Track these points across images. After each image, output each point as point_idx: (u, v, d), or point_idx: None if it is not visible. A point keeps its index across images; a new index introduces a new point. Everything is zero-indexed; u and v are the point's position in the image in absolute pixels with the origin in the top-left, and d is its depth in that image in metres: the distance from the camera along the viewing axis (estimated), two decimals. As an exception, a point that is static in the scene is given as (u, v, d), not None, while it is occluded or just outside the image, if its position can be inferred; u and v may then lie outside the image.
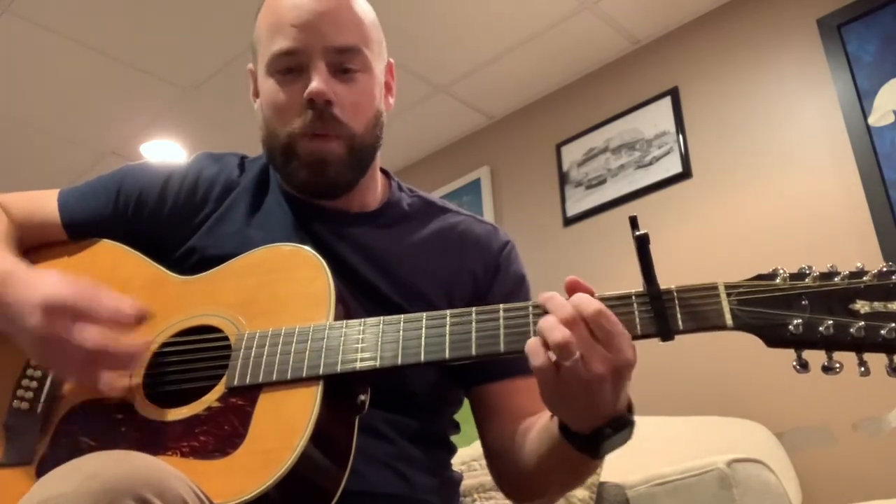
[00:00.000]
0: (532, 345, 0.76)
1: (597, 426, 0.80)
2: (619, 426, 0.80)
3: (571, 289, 0.80)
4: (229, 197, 1.09)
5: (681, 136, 2.73)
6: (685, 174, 2.69)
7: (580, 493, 1.59)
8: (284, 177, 1.06)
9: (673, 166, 2.73)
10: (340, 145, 1.01)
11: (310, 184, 1.03)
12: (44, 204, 1.10)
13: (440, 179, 3.53)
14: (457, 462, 1.13)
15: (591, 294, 0.79)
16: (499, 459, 1.05)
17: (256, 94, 1.11)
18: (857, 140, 2.29)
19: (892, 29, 2.31)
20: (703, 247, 2.57)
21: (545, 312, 0.78)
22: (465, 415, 1.11)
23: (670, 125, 2.77)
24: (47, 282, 0.88)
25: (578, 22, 2.81)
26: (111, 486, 0.62)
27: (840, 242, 2.26)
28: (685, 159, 2.70)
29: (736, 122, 2.62)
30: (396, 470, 0.96)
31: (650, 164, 2.79)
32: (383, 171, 1.17)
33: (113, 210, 1.08)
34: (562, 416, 0.82)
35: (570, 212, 2.99)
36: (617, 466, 1.71)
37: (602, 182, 2.92)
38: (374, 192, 1.12)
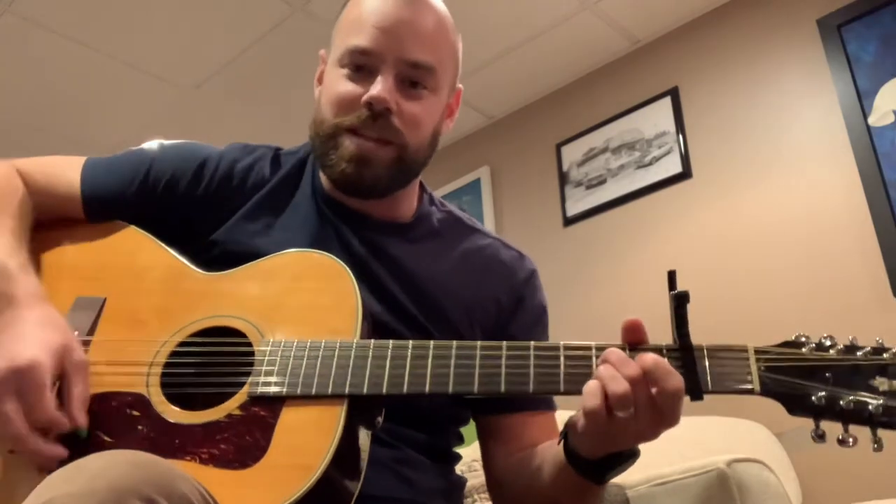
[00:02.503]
0: (592, 387, 0.76)
1: (607, 454, 0.80)
2: (627, 456, 0.82)
3: (631, 329, 0.80)
4: (259, 193, 1.07)
5: (681, 136, 2.73)
6: (685, 174, 2.69)
7: (581, 492, 1.59)
8: (324, 166, 1.05)
9: (673, 166, 2.73)
10: (389, 152, 1.01)
11: (346, 179, 1.01)
12: (66, 173, 1.06)
13: (440, 179, 3.53)
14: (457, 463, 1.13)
15: (645, 339, 0.80)
16: (504, 488, 1.04)
17: (320, 81, 1.10)
18: (857, 140, 2.29)
19: (892, 29, 2.31)
20: (703, 247, 2.57)
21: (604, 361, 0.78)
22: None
23: (670, 125, 2.77)
24: (33, 343, 0.82)
25: (578, 22, 2.81)
26: (117, 486, 0.62)
27: (840, 242, 2.26)
28: (685, 159, 2.70)
29: (736, 122, 2.62)
30: (401, 474, 0.96)
31: (650, 164, 2.79)
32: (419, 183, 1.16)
33: (140, 187, 1.05)
34: (580, 443, 0.82)
35: (570, 212, 2.99)
36: (617, 466, 1.70)
37: (602, 182, 2.92)
38: (408, 204, 1.11)
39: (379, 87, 0.98)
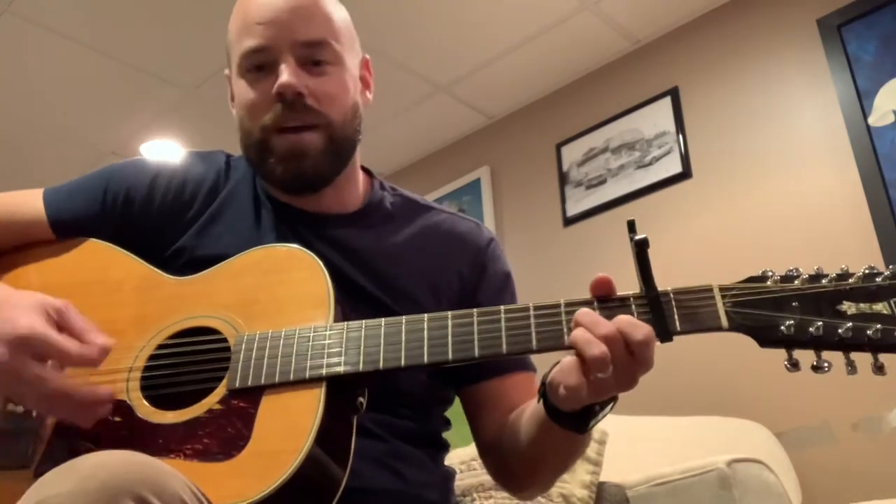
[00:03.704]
0: (569, 364, 0.77)
1: (586, 405, 0.81)
2: (607, 402, 0.82)
3: (599, 285, 0.82)
4: (218, 197, 1.08)
5: (681, 136, 2.73)
6: (685, 174, 2.69)
7: (580, 492, 1.59)
8: (262, 174, 1.06)
9: (673, 166, 2.73)
10: (318, 136, 1.01)
11: (288, 178, 1.02)
12: (28, 203, 1.08)
13: (440, 179, 3.53)
14: (456, 462, 1.13)
15: (613, 293, 0.82)
16: (492, 453, 1.06)
17: (234, 99, 1.10)
18: (857, 140, 2.29)
19: (892, 29, 2.31)
20: (703, 247, 2.57)
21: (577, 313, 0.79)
22: (461, 414, 1.11)
23: (670, 125, 2.77)
24: (21, 312, 0.83)
25: (578, 22, 2.81)
26: (109, 486, 0.62)
27: (840, 242, 2.26)
28: (685, 159, 2.70)
29: (736, 122, 2.62)
30: (391, 467, 0.96)
31: (650, 164, 2.79)
32: (365, 170, 1.16)
33: (101, 208, 1.07)
34: (560, 401, 0.82)
35: (570, 212, 2.99)
36: (617, 466, 1.70)
37: (602, 182, 2.92)
38: (355, 191, 1.12)
39: (284, 76, 0.99)
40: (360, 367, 0.84)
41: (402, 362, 0.83)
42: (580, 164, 3.02)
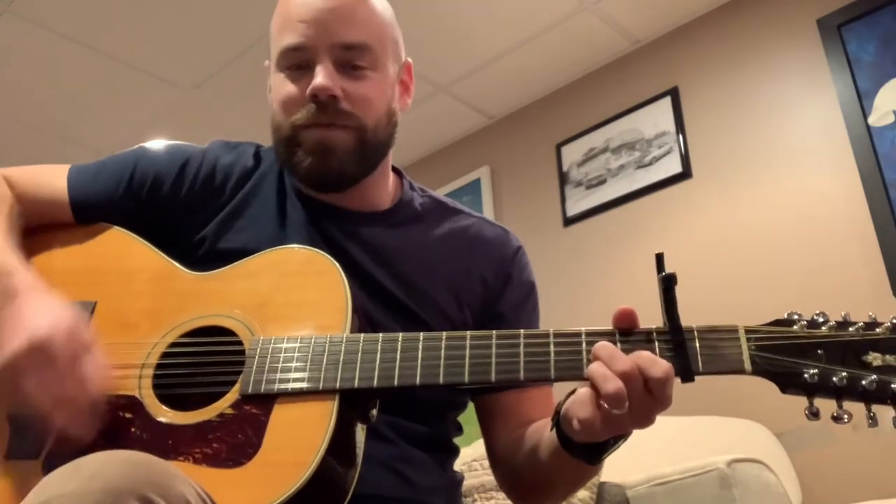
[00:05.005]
0: (583, 396, 0.77)
1: (600, 439, 0.80)
2: (619, 436, 0.82)
3: (622, 317, 0.81)
4: (244, 189, 1.07)
5: (681, 136, 2.73)
6: (685, 174, 2.69)
7: (580, 492, 1.60)
8: (290, 168, 1.05)
9: (673, 166, 2.73)
10: (348, 135, 1.00)
11: (314, 173, 1.01)
12: (52, 180, 1.07)
13: (440, 179, 3.53)
14: (458, 462, 1.13)
15: (636, 325, 0.80)
16: (503, 465, 1.05)
17: (271, 90, 1.10)
18: (857, 140, 2.29)
19: (892, 29, 2.31)
20: (703, 247, 2.57)
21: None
22: (467, 415, 1.12)
23: (670, 125, 2.77)
24: (45, 316, 0.83)
25: (578, 22, 2.81)
26: (114, 486, 0.62)
27: (840, 242, 2.26)
28: (685, 159, 2.70)
29: (736, 122, 2.62)
30: (398, 472, 0.96)
31: (650, 164, 2.79)
32: (396, 170, 1.16)
33: (126, 190, 1.06)
34: (573, 433, 0.82)
35: (570, 212, 2.99)
36: (617, 466, 1.70)
37: (602, 182, 2.92)
38: (385, 190, 1.11)
39: (319, 78, 0.98)
40: (375, 382, 0.83)
41: (418, 380, 0.83)
42: (580, 164, 3.02)
